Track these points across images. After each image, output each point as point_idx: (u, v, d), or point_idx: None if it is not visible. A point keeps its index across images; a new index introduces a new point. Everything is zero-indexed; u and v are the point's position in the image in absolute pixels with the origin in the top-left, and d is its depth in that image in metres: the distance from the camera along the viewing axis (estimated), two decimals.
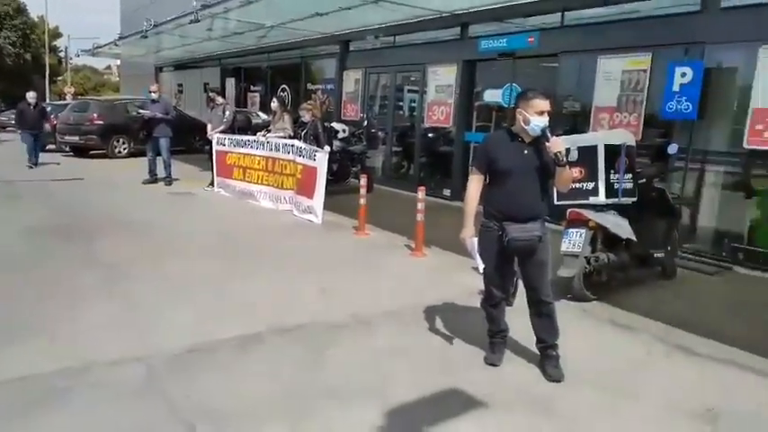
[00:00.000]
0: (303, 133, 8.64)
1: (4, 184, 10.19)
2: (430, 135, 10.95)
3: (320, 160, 7.91)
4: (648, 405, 3.23)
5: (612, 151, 4.88)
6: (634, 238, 5.01)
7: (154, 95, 10.92)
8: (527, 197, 3.42)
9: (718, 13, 6.56)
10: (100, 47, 19.31)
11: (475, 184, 3.57)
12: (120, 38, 17.20)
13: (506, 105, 8.99)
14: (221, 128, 10.10)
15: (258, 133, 9.45)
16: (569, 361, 3.57)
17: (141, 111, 11.20)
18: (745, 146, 6.22)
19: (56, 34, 46.70)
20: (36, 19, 42.42)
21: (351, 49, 12.85)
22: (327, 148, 8.23)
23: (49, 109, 15.41)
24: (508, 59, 9.02)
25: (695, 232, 6.94)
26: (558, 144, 3.35)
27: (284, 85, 15.56)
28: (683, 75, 6.47)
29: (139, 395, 3.13)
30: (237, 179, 9.56)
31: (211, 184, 10.21)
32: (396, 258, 6.27)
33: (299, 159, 8.31)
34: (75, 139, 14.91)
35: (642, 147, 6.45)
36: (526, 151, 3.43)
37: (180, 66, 21.73)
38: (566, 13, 8.34)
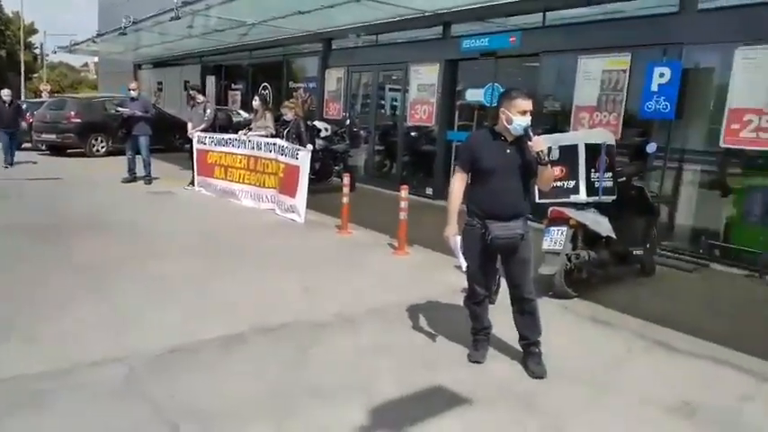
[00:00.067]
0: (285, 132, 8.61)
1: None
2: (412, 134, 10.98)
3: (303, 159, 7.88)
4: (629, 400, 3.28)
5: (593, 150, 4.95)
6: (614, 235, 5.08)
7: (133, 93, 10.77)
8: (510, 196, 3.46)
9: (695, 14, 6.68)
10: (78, 44, 18.99)
11: (458, 182, 3.59)
12: (99, 35, 16.96)
13: (488, 104, 9.05)
14: (202, 126, 10.00)
15: (240, 131, 9.39)
16: (551, 357, 3.61)
17: (120, 108, 11.04)
18: (722, 145, 6.35)
19: (31, 30, 45.76)
20: (11, 15, 41.61)
21: (333, 47, 12.82)
22: (310, 146, 8.20)
23: (24, 107, 15.11)
24: (490, 59, 9.08)
25: (673, 230, 7.07)
26: (539, 143, 3.39)
27: (266, 83, 15.47)
28: (662, 75, 6.56)
29: (122, 396, 3.09)
30: (219, 178, 9.48)
31: (192, 182, 10.10)
32: (379, 257, 6.28)
33: (281, 158, 8.26)
34: (52, 137, 14.61)
35: (622, 146, 6.53)
36: (509, 150, 3.46)
37: (159, 63, 21.45)
38: (547, 13, 8.42)
